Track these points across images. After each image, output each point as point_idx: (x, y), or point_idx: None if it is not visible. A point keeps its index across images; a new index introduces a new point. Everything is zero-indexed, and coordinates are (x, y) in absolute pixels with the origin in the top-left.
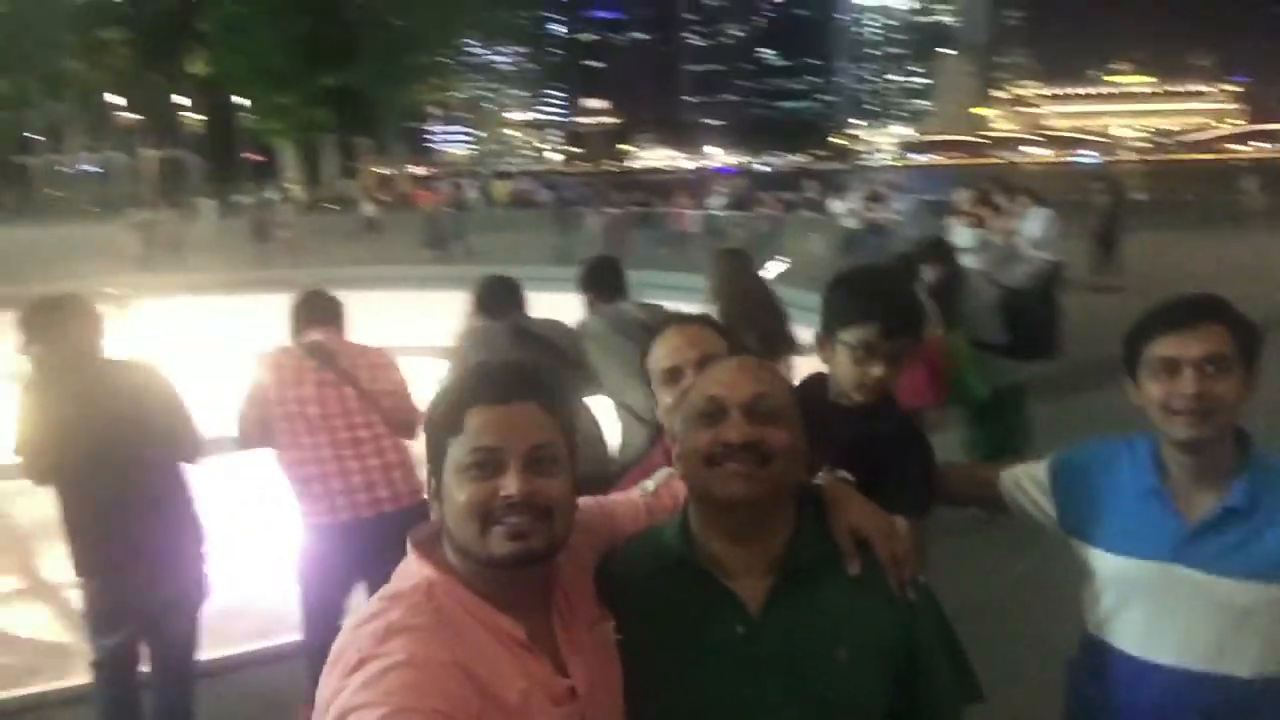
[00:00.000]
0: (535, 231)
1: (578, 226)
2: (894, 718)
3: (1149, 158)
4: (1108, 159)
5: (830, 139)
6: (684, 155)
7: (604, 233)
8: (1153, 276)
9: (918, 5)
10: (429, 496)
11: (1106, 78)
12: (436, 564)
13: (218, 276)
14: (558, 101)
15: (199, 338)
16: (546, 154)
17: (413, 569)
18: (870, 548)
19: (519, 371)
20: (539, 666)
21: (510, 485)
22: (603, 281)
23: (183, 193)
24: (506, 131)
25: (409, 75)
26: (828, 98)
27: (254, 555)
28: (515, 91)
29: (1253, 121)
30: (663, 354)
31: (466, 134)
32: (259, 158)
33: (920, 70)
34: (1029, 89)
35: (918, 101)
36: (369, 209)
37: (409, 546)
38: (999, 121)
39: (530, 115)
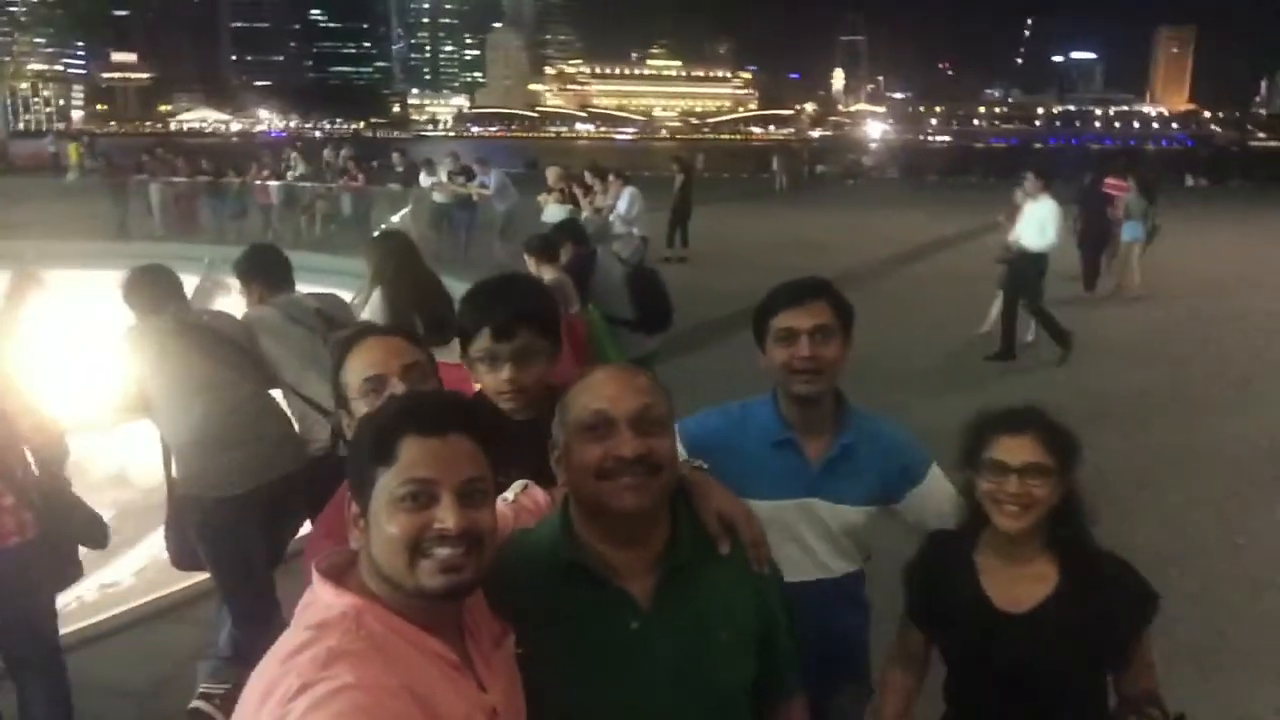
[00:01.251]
0: (80, 202)
1: (133, 196)
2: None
3: (681, 137)
4: (644, 136)
5: (389, 106)
6: (230, 117)
7: (168, 204)
8: (711, 248)
9: None
10: (348, 522)
11: (645, 60)
12: (357, 591)
13: None
14: (79, 53)
15: None
16: (71, 112)
17: (328, 599)
18: (734, 530)
19: (454, 403)
20: (469, 687)
21: (447, 519)
22: (270, 270)
23: None
24: (20, 85)
25: None
26: (382, 64)
27: None
28: (31, 40)
29: (762, 107)
30: (365, 363)
31: None
32: None
33: (473, 42)
34: (576, 68)
35: (473, 73)
36: None
37: (315, 576)
38: (550, 97)
39: (48, 67)
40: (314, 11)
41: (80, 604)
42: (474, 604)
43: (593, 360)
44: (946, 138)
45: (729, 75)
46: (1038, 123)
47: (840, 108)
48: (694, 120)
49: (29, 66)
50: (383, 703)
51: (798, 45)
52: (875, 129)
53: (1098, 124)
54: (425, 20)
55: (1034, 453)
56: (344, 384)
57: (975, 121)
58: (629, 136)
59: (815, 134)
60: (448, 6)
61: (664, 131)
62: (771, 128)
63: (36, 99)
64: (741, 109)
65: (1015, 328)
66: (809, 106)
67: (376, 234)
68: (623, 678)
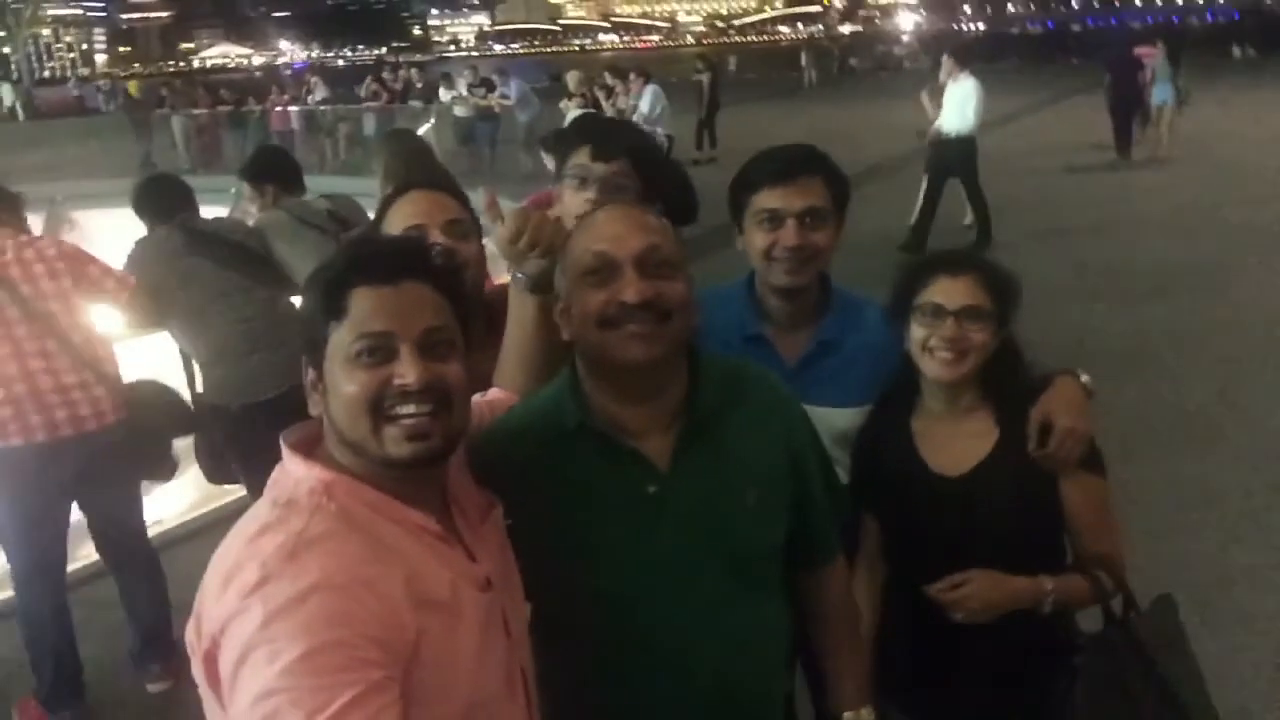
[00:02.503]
0: (106, 139)
1: (157, 131)
2: (785, 547)
3: (707, 41)
4: (669, 43)
5: (409, 30)
6: (252, 51)
7: (191, 137)
8: (741, 146)
9: None
10: (307, 388)
11: None
12: (326, 464)
13: None
14: None
15: None
16: (94, 55)
17: (298, 472)
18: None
19: (407, 247)
20: (456, 557)
21: (407, 373)
22: (280, 172)
23: None
24: (42, 32)
25: None
26: None
27: None
28: None
29: (789, 5)
30: (407, 214)
31: None
32: None
33: None
34: None
35: None
36: None
37: (284, 449)
38: (571, 9)
39: (67, 12)
40: None
41: None
42: (457, 475)
43: None
44: (980, 25)
45: None
46: (1075, 4)
47: (869, 0)
48: (720, 24)
49: (48, 12)
50: (356, 602)
51: None
52: (907, 20)
53: (1138, 2)
54: None
55: (972, 295)
56: (386, 234)
57: (1010, 7)
58: (654, 43)
59: (845, 29)
60: None
61: (689, 37)
62: (800, 25)
63: (59, 45)
64: (768, 8)
65: (933, 213)
66: (837, 1)
67: (386, 134)
68: (640, 545)
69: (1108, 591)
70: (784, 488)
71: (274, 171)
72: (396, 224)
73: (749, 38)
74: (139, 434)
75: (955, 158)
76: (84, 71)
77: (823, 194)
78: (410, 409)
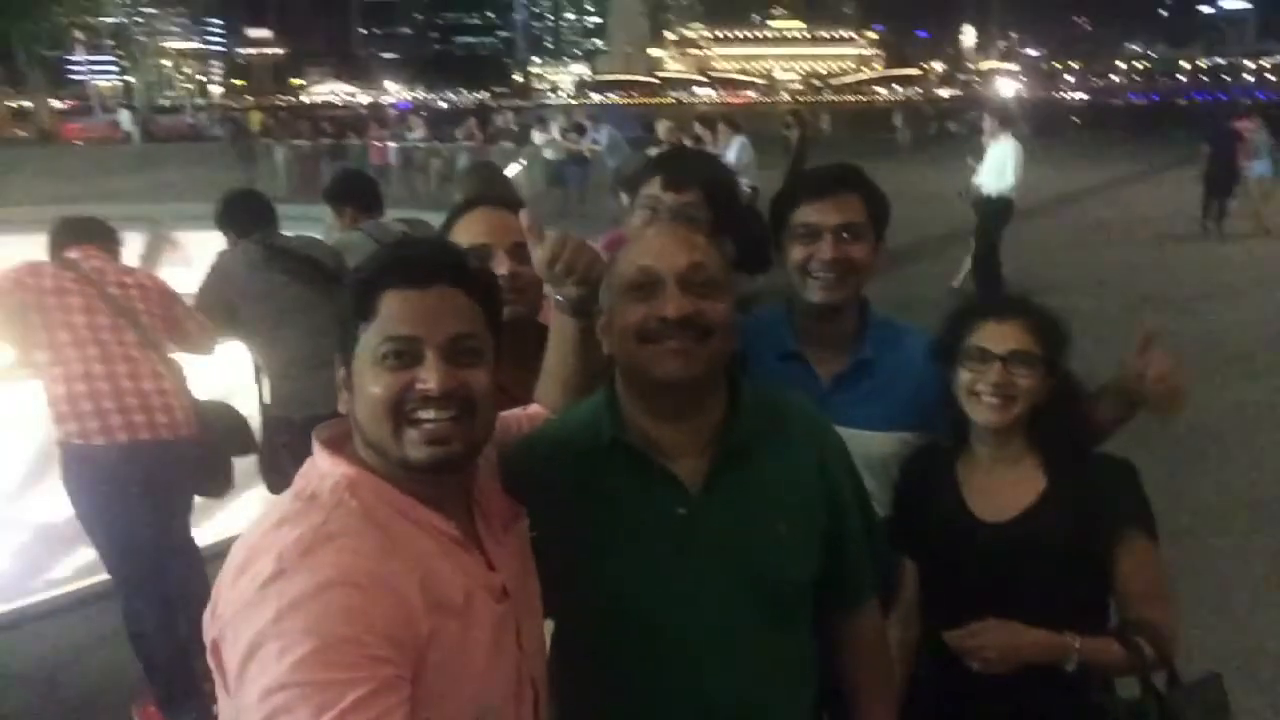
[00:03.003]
0: (213, 165)
1: (261, 159)
2: (817, 580)
3: (802, 99)
4: (764, 100)
5: (511, 76)
6: (359, 90)
7: (292, 166)
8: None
9: None
10: (338, 385)
11: (767, 21)
12: (351, 461)
13: None
14: (218, 29)
15: None
16: (209, 87)
17: (325, 467)
18: None
19: (441, 252)
20: (474, 563)
21: (429, 378)
22: (358, 195)
23: None
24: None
25: None
26: (505, 34)
27: None
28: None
29: (888, 67)
30: (471, 232)
31: (116, 64)
32: None
33: (594, 9)
34: (696, 31)
35: (594, 41)
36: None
37: (315, 445)
38: (670, 63)
39: (188, 45)
40: None
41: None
42: (485, 482)
43: None
44: (1083, 95)
45: (854, 35)
46: (1182, 78)
47: (970, 66)
48: (816, 82)
49: (171, 45)
50: (371, 600)
51: (925, 2)
52: (1007, 86)
53: (1249, 78)
54: None
55: (1020, 339)
56: None
57: (1114, 78)
58: (749, 99)
59: (944, 93)
60: None
61: (785, 94)
62: (897, 88)
63: (179, 76)
64: (866, 70)
65: (994, 272)
66: (937, 65)
67: (470, 164)
68: (666, 565)
69: (1148, 661)
70: (818, 522)
71: (352, 194)
72: (462, 238)
73: (845, 97)
74: (203, 449)
75: (988, 215)
76: (200, 101)
77: (860, 210)
78: (431, 414)
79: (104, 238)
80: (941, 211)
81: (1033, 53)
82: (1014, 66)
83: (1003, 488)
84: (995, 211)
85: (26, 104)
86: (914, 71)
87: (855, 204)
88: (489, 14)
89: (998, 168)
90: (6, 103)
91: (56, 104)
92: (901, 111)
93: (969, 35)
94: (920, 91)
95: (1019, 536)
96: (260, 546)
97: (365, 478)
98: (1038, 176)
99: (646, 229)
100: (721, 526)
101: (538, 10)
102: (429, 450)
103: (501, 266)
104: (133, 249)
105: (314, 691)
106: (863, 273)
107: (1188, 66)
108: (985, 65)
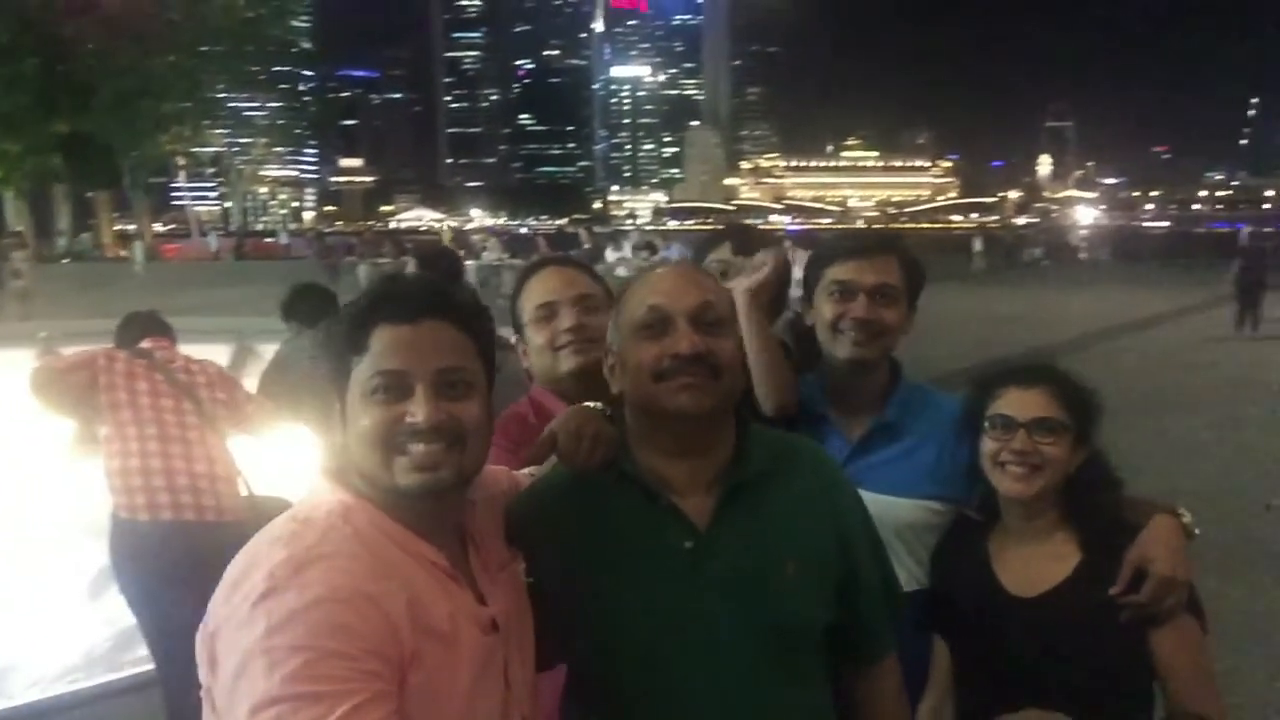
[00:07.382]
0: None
1: (346, 275)
2: (831, 631)
3: (877, 226)
4: (839, 226)
5: (590, 203)
6: (445, 216)
7: (373, 280)
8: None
9: (665, 79)
10: (332, 420)
11: (840, 151)
12: (348, 489)
13: None
14: (312, 159)
15: None
16: (303, 213)
17: (322, 493)
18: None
19: (430, 287)
20: (462, 595)
21: (418, 412)
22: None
23: None
24: (260, 189)
25: (148, 124)
26: (585, 163)
27: None
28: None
29: (963, 195)
30: (538, 292)
31: (216, 189)
32: None
33: (671, 140)
34: (771, 161)
35: (671, 170)
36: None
37: (318, 474)
38: (746, 190)
39: (284, 172)
40: (523, 116)
41: None
42: (484, 522)
43: None
44: (1164, 223)
45: (928, 164)
46: (1266, 206)
47: (1046, 194)
48: (891, 210)
49: (267, 173)
50: (358, 616)
51: (1002, 132)
52: (1085, 214)
53: None
54: (626, 121)
55: (1045, 407)
56: (520, 310)
57: (1195, 206)
58: (824, 225)
59: (1020, 220)
60: (647, 107)
61: (860, 222)
62: (974, 215)
63: (274, 201)
64: (941, 198)
65: None
66: (1012, 194)
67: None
68: (671, 601)
69: None
70: (829, 568)
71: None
72: (530, 300)
73: (920, 224)
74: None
75: None
76: (293, 226)
77: (896, 274)
78: (420, 447)
79: (168, 331)
80: (1019, 331)
81: (1110, 181)
82: (1092, 195)
83: (1034, 562)
84: None
85: (130, 227)
86: (989, 199)
87: (891, 266)
88: (570, 145)
89: None
90: (114, 228)
91: (158, 227)
92: (977, 238)
93: (1045, 164)
94: (996, 218)
95: (1049, 612)
96: (253, 563)
97: (359, 505)
98: (1117, 301)
99: (654, 270)
100: (728, 561)
101: (617, 141)
102: (418, 476)
103: (567, 320)
104: (219, 358)
105: (304, 704)
106: (893, 335)
107: (1270, 194)
108: (1063, 194)
